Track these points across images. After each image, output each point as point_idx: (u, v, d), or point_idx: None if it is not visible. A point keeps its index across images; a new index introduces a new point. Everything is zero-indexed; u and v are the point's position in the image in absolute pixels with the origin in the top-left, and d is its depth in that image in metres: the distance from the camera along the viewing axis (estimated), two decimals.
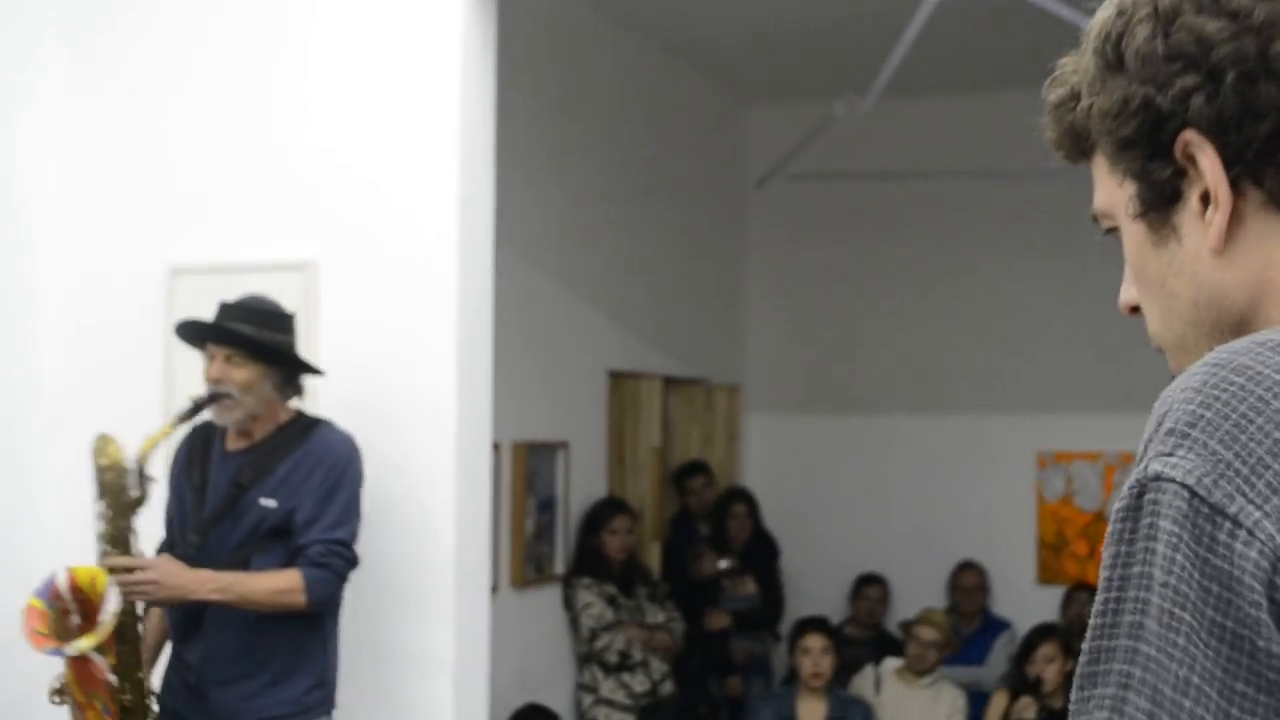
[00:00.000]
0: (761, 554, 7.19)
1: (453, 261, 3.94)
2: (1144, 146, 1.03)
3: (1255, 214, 1.00)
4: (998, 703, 5.80)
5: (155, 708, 3.60)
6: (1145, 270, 1.08)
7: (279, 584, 3.47)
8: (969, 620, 7.13)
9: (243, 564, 3.51)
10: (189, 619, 3.59)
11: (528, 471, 5.75)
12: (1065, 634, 5.86)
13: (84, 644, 3.31)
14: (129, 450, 3.49)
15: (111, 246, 4.37)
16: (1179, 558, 0.85)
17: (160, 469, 3.72)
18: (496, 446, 4.96)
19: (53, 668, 3.47)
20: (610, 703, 5.91)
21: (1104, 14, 1.07)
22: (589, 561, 6.04)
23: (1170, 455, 0.87)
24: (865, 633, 7.24)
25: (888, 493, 7.73)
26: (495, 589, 5.16)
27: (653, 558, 6.74)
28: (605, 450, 6.48)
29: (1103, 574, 0.90)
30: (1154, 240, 1.06)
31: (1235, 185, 1.00)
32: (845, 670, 6.28)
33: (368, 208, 4.04)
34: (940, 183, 7.08)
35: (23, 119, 4.40)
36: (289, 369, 3.65)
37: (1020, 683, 5.69)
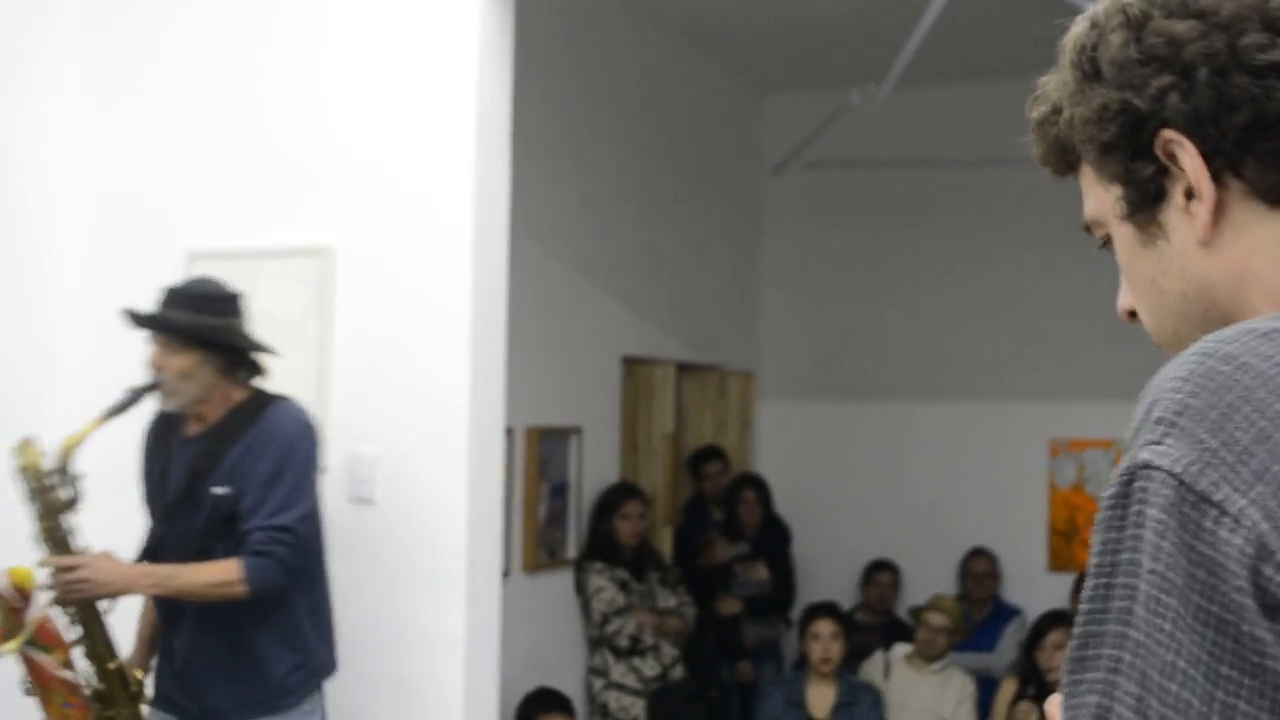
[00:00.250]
0: (773, 540, 7.22)
1: (468, 247, 3.95)
2: (1126, 149, 1.07)
3: (1237, 204, 1.03)
4: (1007, 689, 5.82)
5: (148, 692, 3.63)
6: (1136, 271, 1.12)
7: (217, 575, 3.41)
8: (980, 607, 7.15)
9: (206, 551, 3.48)
10: (173, 607, 3.58)
11: (541, 456, 5.77)
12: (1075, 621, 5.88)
13: (7, 647, 3.32)
14: (64, 448, 3.47)
15: (129, 232, 4.40)
16: (1166, 544, 0.87)
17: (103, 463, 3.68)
18: (510, 431, 4.98)
19: None
20: (621, 686, 5.95)
21: (1078, 29, 1.11)
22: (601, 546, 6.08)
23: (1158, 444, 0.89)
24: (876, 619, 7.26)
25: (900, 479, 7.75)
26: (507, 573, 5.20)
27: (665, 543, 6.77)
28: (618, 436, 6.51)
29: (1092, 560, 0.92)
30: (1143, 240, 1.09)
31: (1216, 178, 1.03)
32: (855, 656, 6.31)
33: (384, 194, 4.06)
34: (956, 171, 7.08)
35: (42, 106, 4.43)
36: (232, 352, 3.58)
37: (1030, 670, 5.71)
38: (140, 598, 3.70)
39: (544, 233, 5.62)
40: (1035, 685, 5.59)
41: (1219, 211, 1.04)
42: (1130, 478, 0.90)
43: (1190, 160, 1.03)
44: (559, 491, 5.96)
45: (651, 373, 6.75)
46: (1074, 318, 7.17)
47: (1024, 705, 5.58)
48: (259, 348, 3.65)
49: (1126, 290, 1.15)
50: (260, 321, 4.15)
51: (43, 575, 3.40)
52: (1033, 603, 6.83)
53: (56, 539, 3.45)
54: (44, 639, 3.40)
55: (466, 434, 3.94)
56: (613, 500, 6.13)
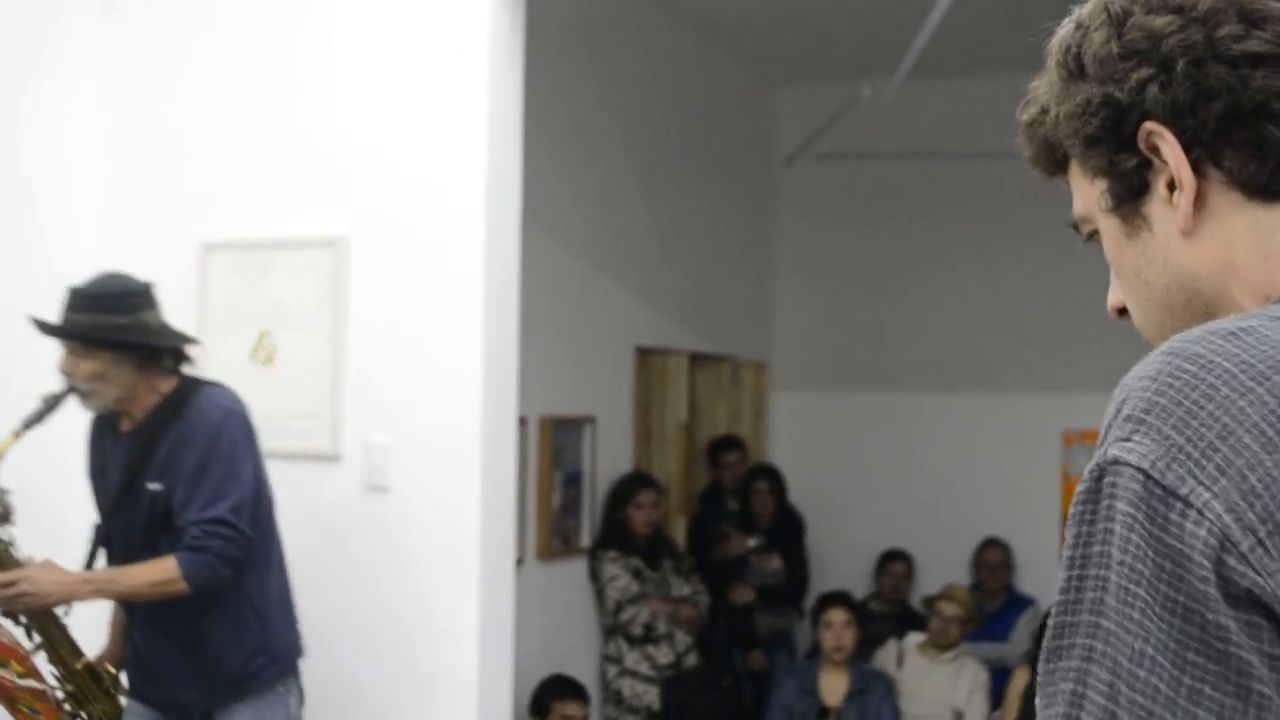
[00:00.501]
0: (788, 531, 7.24)
1: (480, 239, 3.98)
2: (1109, 141, 1.10)
3: (1217, 194, 1.06)
4: (1019, 679, 5.84)
5: (124, 684, 3.65)
6: (1122, 263, 1.15)
7: (156, 575, 3.38)
8: (993, 597, 7.17)
9: (152, 548, 3.45)
10: (127, 604, 3.58)
11: (555, 446, 5.81)
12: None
13: None
14: None
15: (145, 223, 4.43)
16: (1134, 537, 0.90)
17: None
18: (524, 421, 5.02)
19: None
20: (635, 674, 5.99)
21: (1063, 30, 1.14)
22: (615, 535, 6.11)
23: (1127, 440, 0.93)
24: (889, 608, 7.28)
25: (914, 470, 7.77)
26: (522, 561, 5.24)
27: (679, 532, 6.81)
28: (632, 426, 6.54)
29: (1066, 553, 0.95)
30: (1127, 233, 1.12)
31: (1197, 168, 1.06)
32: (868, 645, 6.34)
33: (397, 186, 4.09)
34: (967, 163, 7.08)
35: (57, 97, 4.46)
36: (144, 347, 3.48)
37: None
38: None
39: (557, 224, 5.65)
40: None
41: (1199, 202, 1.07)
42: (1101, 473, 0.94)
43: (1171, 151, 1.06)
44: (573, 480, 6.00)
45: (665, 363, 6.78)
46: (1087, 309, 7.12)
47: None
48: (174, 337, 3.57)
49: (1116, 287, 1.18)
50: (274, 312, 4.20)
51: None
52: (1046, 593, 6.84)
53: None
54: None
55: (479, 423, 3.97)
56: (626, 489, 6.17)
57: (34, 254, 4.36)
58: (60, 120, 4.47)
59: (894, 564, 7.46)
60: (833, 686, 5.84)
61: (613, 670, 6.02)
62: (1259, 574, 0.87)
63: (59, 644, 3.52)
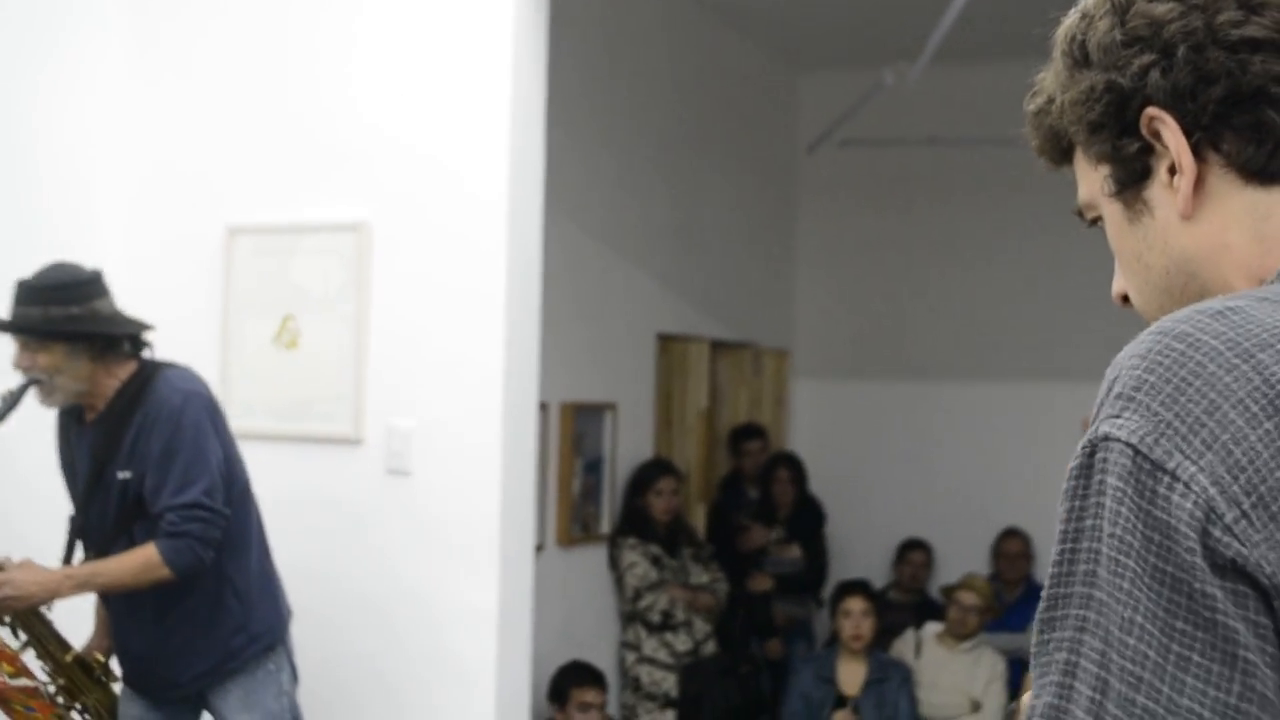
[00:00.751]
0: (808, 520, 7.25)
1: (502, 224, 3.99)
2: (1112, 127, 1.12)
3: (1216, 178, 1.09)
4: None
5: (116, 671, 3.66)
6: (1124, 248, 1.18)
7: (137, 564, 3.37)
8: (1012, 587, 7.16)
9: (127, 535, 3.44)
10: (103, 594, 3.59)
11: (576, 432, 5.82)
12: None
13: None
14: None
15: (170, 207, 4.46)
16: (1124, 510, 0.93)
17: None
18: (545, 407, 5.03)
19: None
20: (653, 661, 6.00)
21: (1069, 20, 1.17)
22: (635, 522, 6.12)
23: (1118, 417, 0.96)
24: (908, 597, 7.29)
25: (934, 458, 7.76)
26: (542, 547, 5.25)
27: (698, 519, 6.82)
28: (653, 412, 6.55)
29: (1059, 527, 0.98)
30: (1130, 217, 1.15)
31: (1197, 152, 1.09)
32: (887, 634, 6.34)
33: (420, 171, 4.10)
34: (990, 149, 7.06)
35: (82, 83, 4.49)
36: (99, 336, 3.43)
37: None
38: None
39: (579, 210, 5.66)
40: None
41: (1199, 186, 1.09)
42: (1092, 449, 0.97)
43: (1172, 135, 1.09)
44: (593, 467, 6.01)
45: (686, 350, 6.79)
46: (1109, 297, 7.13)
47: None
48: (128, 324, 3.53)
49: (1120, 275, 1.21)
50: (298, 296, 4.21)
51: None
52: None
53: None
54: None
55: (500, 408, 3.98)
56: (646, 476, 6.18)
57: (60, 240, 4.36)
58: (85, 106, 4.50)
59: (913, 553, 7.45)
60: (850, 675, 5.85)
61: (631, 657, 6.04)
62: (1243, 544, 0.89)
63: (46, 640, 3.52)
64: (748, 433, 7.30)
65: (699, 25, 6.83)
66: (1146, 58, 1.09)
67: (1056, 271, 7.41)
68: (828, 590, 6.96)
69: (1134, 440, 0.94)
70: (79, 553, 3.57)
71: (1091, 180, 1.18)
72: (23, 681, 3.39)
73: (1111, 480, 0.94)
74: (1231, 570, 0.90)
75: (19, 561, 3.40)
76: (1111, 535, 0.93)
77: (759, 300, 7.75)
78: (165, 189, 4.47)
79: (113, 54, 4.51)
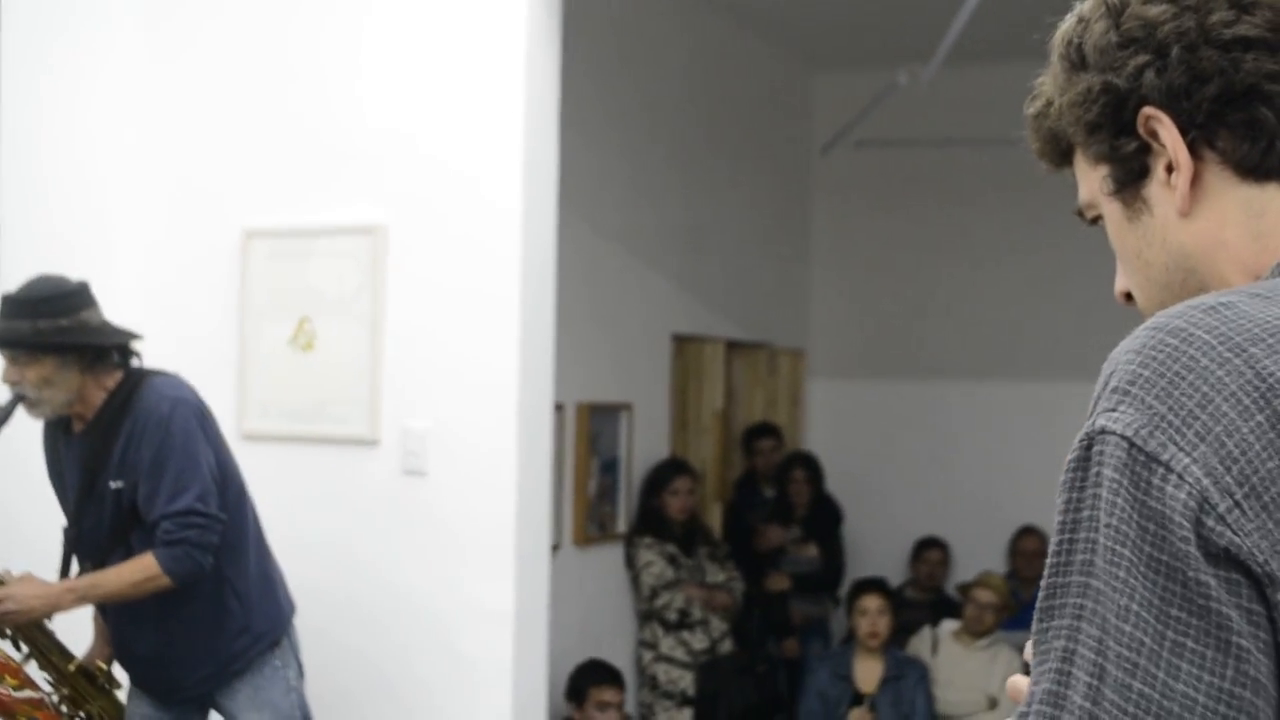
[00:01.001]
0: (824, 519, 7.25)
1: (517, 226, 4.01)
2: (1110, 127, 1.15)
3: (1212, 175, 1.11)
4: None
5: (120, 678, 3.67)
6: (1125, 246, 1.20)
7: (137, 574, 3.37)
8: (1029, 585, 7.16)
9: (124, 545, 3.45)
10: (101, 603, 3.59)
11: (592, 432, 5.84)
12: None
13: None
14: None
15: (186, 210, 4.48)
16: (1119, 501, 0.95)
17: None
18: (561, 407, 5.05)
19: None
20: (670, 659, 6.02)
21: (1066, 25, 1.20)
22: (650, 521, 6.14)
23: (1113, 410, 0.98)
24: (925, 595, 7.29)
25: (950, 457, 7.77)
26: (558, 547, 5.27)
27: (714, 518, 6.84)
28: (668, 412, 6.57)
29: (1057, 518, 1.00)
30: (1129, 215, 1.17)
31: (1193, 150, 1.11)
32: (903, 632, 6.35)
33: (435, 174, 4.12)
34: (1004, 150, 7.05)
35: (96, 86, 4.52)
36: (87, 347, 3.43)
37: None
38: None
39: (593, 211, 5.68)
40: None
41: (1196, 183, 1.11)
42: (1089, 442, 0.99)
43: (1169, 134, 1.11)
44: (609, 467, 6.03)
45: (701, 350, 6.81)
46: None
47: None
48: (117, 334, 3.52)
49: (1122, 273, 1.23)
50: (314, 298, 4.24)
51: None
52: None
53: None
54: None
55: (516, 409, 4.00)
56: (662, 476, 6.20)
57: (73, 244, 4.40)
58: (99, 108, 4.53)
59: (930, 551, 7.46)
60: (867, 673, 5.86)
61: (648, 655, 6.06)
62: (1236, 533, 0.92)
63: (48, 650, 3.53)
64: (761, 431, 7.32)
65: (712, 27, 6.84)
66: (1141, 58, 1.11)
67: (1070, 270, 7.40)
68: (844, 589, 6.97)
69: (1129, 433, 0.96)
70: (75, 565, 3.57)
71: (1091, 180, 1.20)
72: (27, 693, 3.39)
73: (1108, 472, 0.96)
74: (1225, 559, 0.92)
75: (19, 575, 3.41)
76: (1108, 525, 0.95)
77: (774, 300, 7.76)
78: (181, 194, 4.49)
79: (125, 58, 4.53)
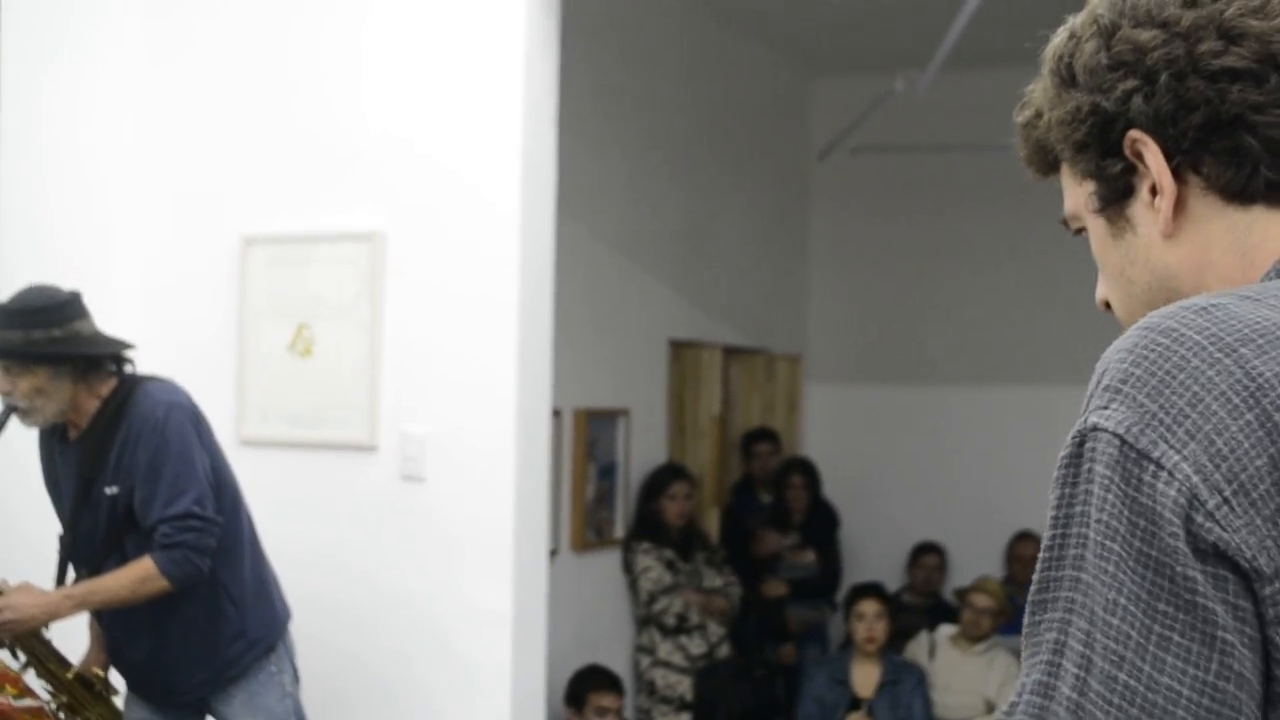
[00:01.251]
0: (821, 524, 7.26)
1: (515, 231, 4.01)
2: (1096, 147, 1.17)
3: (1197, 199, 1.13)
4: None
5: (117, 685, 3.67)
6: (1108, 262, 1.22)
7: (135, 579, 3.37)
8: (1026, 590, 7.12)
9: (119, 552, 3.45)
10: (96, 610, 3.59)
11: (589, 438, 5.85)
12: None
13: None
14: None
15: (185, 217, 4.49)
16: (1110, 496, 0.97)
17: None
18: (558, 413, 5.06)
19: None
20: (668, 664, 6.03)
21: (1058, 39, 1.21)
22: (648, 526, 6.15)
23: (1105, 409, 1.00)
24: (922, 600, 7.30)
25: (947, 462, 7.78)
26: (556, 552, 5.28)
27: (711, 524, 6.85)
28: (666, 418, 6.58)
29: (1050, 514, 1.02)
30: (1113, 233, 1.20)
31: (1177, 174, 1.13)
32: (901, 637, 6.36)
33: (433, 179, 4.12)
34: (1001, 156, 7.07)
35: (98, 91, 4.53)
36: (80, 357, 3.43)
37: None
38: None
39: (591, 216, 5.69)
40: None
41: (1180, 206, 1.14)
42: (1082, 439, 1.01)
43: (1154, 158, 1.13)
44: (607, 472, 6.04)
45: (699, 356, 6.82)
46: None
47: None
48: (110, 344, 3.54)
49: (1103, 283, 1.26)
50: (313, 304, 4.25)
51: None
52: None
53: None
54: None
55: (514, 414, 4.01)
56: (660, 481, 6.21)
57: (73, 250, 4.41)
58: (97, 118, 4.53)
59: (927, 556, 7.47)
60: (864, 677, 5.86)
61: (646, 661, 6.07)
62: (1225, 529, 0.93)
63: (46, 659, 3.53)
64: (759, 436, 7.33)
65: (711, 32, 6.85)
66: (1130, 83, 1.13)
67: (1067, 276, 7.39)
68: (841, 594, 6.98)
69: (1120, 430, 0.98)
70: (71, 572, 3.57)
71: (1076, 194, 1.23)
72: (27, 702, 3.40)
73: (1099, 469, 0.98)
74: (1213, 555, 0.94)
75: (17, 585, 3.41)
76: (1098, 521, 0.97)
77: (771, 306, 7.78)
78: (180, 200, 4.50)
79: (124, 65, 4.54)
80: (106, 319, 3.58)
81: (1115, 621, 0.95)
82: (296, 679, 3.72)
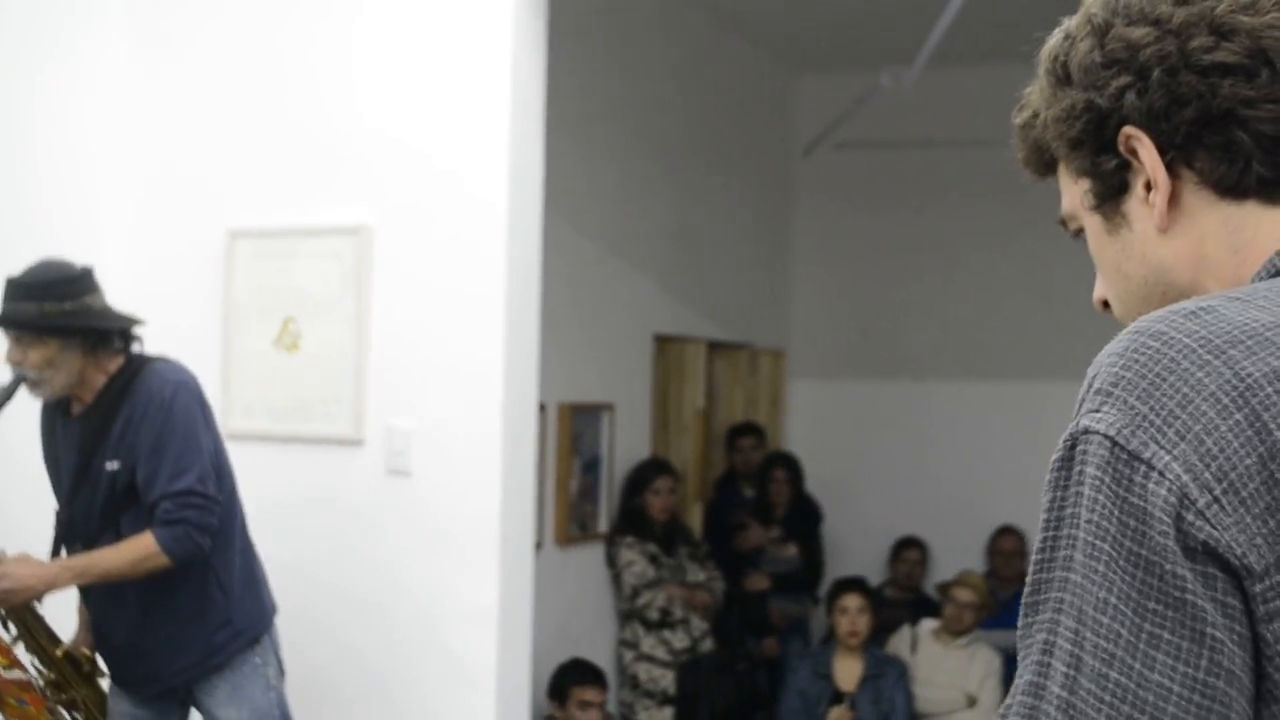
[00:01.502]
0: (804, 519, 7.28)
1: (502, 227, 4.03)
2: (1091, 144, 1.19)
3: (1190, 194, 1.15)
4: None
5: (102, 667, 3.67)
6: (1104, 258, 1.24)
7: (136, 552, 3.39)
8: (1007, 584, 7.20)
9: (114, 527, 3.46)
10: (85, 592, 3.60)
11: (573, 432, 5.86)
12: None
13: None
14: None
15: (172, 211, 4.49)
16: (1101, 497, 0.98)
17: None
18: (543, 407, 5.07)
19: None
20: (651, 658, 6.04)
21: (1053, 40, 1.23)
22: (632, 520, 6.17)
23: (1097, 411, 1.01)
24: (904, 595, 7.33)
25: (930, 457, 7.81)
26: (540, 546, 5.29)
27: (695, 518, 6.86)
28: (650, 412, 6.59)
29: (1042, 516, 1.03)
30: (1108, 229, 1.22)
31: (1171, 169, 1.15)
32: (883, 631, 6.38)
33: (420, 175, 4.13)
34: (986, 151, 7.09)
35: (83, 86, 4.52)
36: (91, 331, 3.48)
37: None
38: None
39: (577, 212, 5.70)
40: None
41: (1174, 201, 1.15)
42: (1073, 442, 1.02)
43: (1148, 153, 1.15)
44: (591, 466, 6.05)
45: (683, 350, 6.83)
46: None
47: None
48: (120, 319, 3.57)
49: (1100, 281, 1.27)
50: (299, 298, 4.25)
51: None
52: None
53: None
54: None
55: (500, 409, 4.02)
56: (644, 475, 6.22)
57: (61, 242, 4.39)
58: (85, 109, 4.53)
59: (909, 551, 7.50)
60: (847, 671, 5.89)
61: (629, 655, 6.08)
62: (1214, 528, 0.95)
63: (37, 633, 3.54)
64: (743, 430, 7.35)
65: (696, 28, 6.87)
66: (1123, 79, 1.15)
67: (1050, 272, 7.45)
68: (824, 588, 7.00)
69: (1111, 432, 0.99)
70: (64, 549, 3.58)
71: (1073, 193, 1.24)
72: (16, 674, 3.40)
73: (1090, 470, 1.00)
74: (1202, 553, 0.95)
75: (15, 555, 3.42)
76: (1089, 521, 0.99)
77: (755, 301, 7.79)
78: (166, 193, 4.50)
79: (113, 57, 4.54)
80: None
81: (1106, 620, 0.96)
82: (281, 673, 3.73)
